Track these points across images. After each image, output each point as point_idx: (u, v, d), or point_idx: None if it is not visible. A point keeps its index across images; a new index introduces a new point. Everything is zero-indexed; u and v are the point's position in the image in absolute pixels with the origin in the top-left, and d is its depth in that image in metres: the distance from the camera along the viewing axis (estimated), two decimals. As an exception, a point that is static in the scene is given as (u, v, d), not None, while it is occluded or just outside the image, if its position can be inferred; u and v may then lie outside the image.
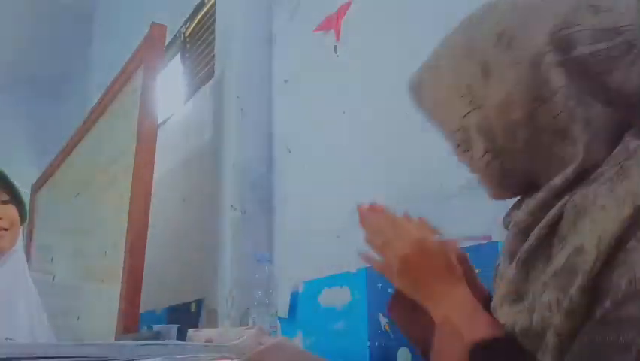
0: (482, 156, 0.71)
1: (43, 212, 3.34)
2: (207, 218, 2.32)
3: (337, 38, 1.89)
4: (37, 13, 4.39)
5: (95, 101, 2.90)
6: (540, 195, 0.64)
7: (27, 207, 1.49)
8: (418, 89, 0.80)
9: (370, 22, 1.77)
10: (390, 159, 1.63)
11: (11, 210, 1.51)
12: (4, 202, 1.46)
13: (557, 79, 0.62)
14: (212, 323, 2.07)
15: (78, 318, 2.33)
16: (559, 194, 0.62)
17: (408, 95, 0.90)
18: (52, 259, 2.92)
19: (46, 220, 3.24)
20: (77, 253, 2.58)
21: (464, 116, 0.70)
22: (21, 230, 1.58)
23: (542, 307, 0.57)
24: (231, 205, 2.11)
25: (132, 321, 1.81)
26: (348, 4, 1.86)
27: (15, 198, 1.54)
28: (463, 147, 0.74)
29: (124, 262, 1.91)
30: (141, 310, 1.91)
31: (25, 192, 3.60)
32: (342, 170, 1.75)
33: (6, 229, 1.48)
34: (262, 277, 2.00)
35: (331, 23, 1.93)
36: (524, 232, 0.67)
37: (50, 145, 4.38)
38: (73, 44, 4.70)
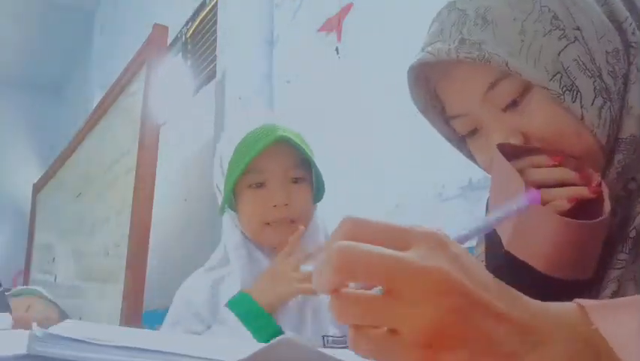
0: (593, 101, 0.55)
1: (45, 212, 3.34)
2: (208, 218, 2.33)
3: (339, 39, 1.90)
4: (39, 13, 4.39)
5: (96, 101, 2.91)
6: None
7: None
8: (480, 47, 0.57)
9: (372, 23, 1.77)
10: (390, 160, 1.64)
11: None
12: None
13: None
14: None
15: (80, 318, 2.34)
16: None
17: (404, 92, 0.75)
18: (53, 259, 2.92)
19: (48, 220, 3.25)
20: (79, 253, 2.59)
21: (560, 53, 0.55)
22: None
23: None
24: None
25: (135, 321, 1.81)
26: (350, 6, 1.87)
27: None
28: (569, 96, 0.55)
29: (126, 262, 1.91)
30: (143, 310, 1.91)
31: (26, 193, 3.62)
32: (342, 170, 1.75)
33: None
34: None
35: (333, 24, 1.93)
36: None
37: (52, 145, 4.40)
38: (75, 45, 4.71)
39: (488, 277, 0.35)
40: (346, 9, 1.88)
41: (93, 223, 2.45)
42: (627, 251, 0.56)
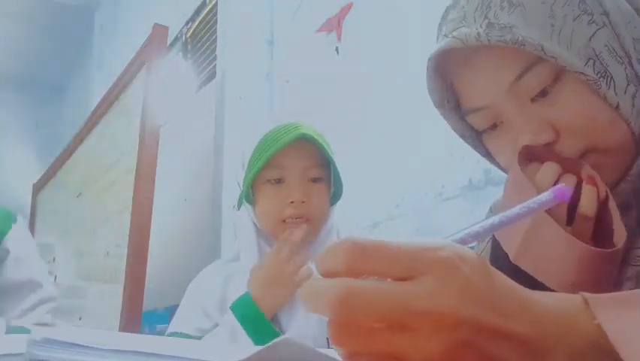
0: (626, 89, 0.53)
1: (45, 212, 3.34)
2: (208, 218, 2.33)
3: (339, 39, 1.90)
4: (39, 13, 4.39)
5: (96, 101, 2.91)
6: None
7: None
8: (512, 30, 0.53)
9: (371, 23, 1.77)
10: (391, 160, 1.64)
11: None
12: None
13: None
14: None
15: (80, 318, 2.34)
16: None
17: (422, 100, 0.70)
18: (54, 259, 2.92)
19: (48, 220, 3.25)
20: (79, 253, 2.59)
21: (591, 39, 0.53)
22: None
23: None
24: (233, 205, 2.11)
25: (135, 321, 1.82)
26: (350, 6, 1.87)
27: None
28: (603, 82, 0.52)
29: (126, 261, 1.91)
30: (143, 310, 1.91)
31: (26, 193, 3.62)
32: (342, 170, 1.75)
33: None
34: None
35: (332, 24, 1.93)
36: None
37: (52, 145, 4.40)
38: (75, 45, 4.71)
39: (497, 292, 0.33)
40: (346, 9, 1.88)
41: (93, 223, 2.45)
42: None
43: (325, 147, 0.99)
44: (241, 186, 1.01)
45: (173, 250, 2.54)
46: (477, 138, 0.65)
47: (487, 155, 0.66)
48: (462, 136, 0.66)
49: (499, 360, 0.32)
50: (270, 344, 0.35)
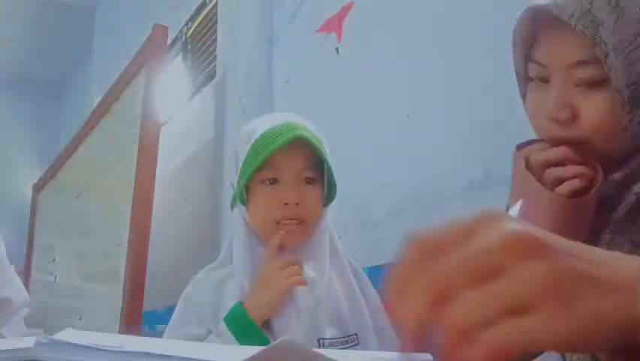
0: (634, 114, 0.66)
1: (45, 213, 3.35)
2: (208, 218, 2.33)
3: (339, 39, 1.90)
4: (39, 13, 4.39)
5: (96, 101, 2.91)
6: None
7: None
8: (597, 28, 0.64)
9: (372, 23, 1.77)
10: (391, 160, 1.64)
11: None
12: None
13: None
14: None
15: (80, 318, 2.34)
16: None
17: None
18: (54, 260, 2.92)
19: (48, 221, 3.25)
20: (79, 253, 2.59)
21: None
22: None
23: None
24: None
25: (135, 320, 1.82)
26: (350, 6, 1.87)
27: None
28: (628, 107, 0.65)
29: (126, 261, 1.91)
30: (143, 310, 1.91)
31: (26, 193, 3.63)
32: (343, 170, 1.75)
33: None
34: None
35: (333, 24, 1.93)
36: None
37: (52, 146, 4.40)
38: (75, 45, 4.71)
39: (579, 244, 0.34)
40: (346, 9, 1.88)
41: (93, 223, 2.45)
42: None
43: (321, 148, 0.98)
44: (234, 187, 1.00)
45: (173, 250, 2.54)
46: (525, 81, 0.75)
47: (524, 98, 0.76)
48: (517, 72, 0.76)
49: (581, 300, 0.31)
50: (270, 345, 0.35)
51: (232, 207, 1.03)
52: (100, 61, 4.32)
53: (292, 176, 0.96)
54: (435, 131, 1.52)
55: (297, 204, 0.95)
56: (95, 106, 2.80)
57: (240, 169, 0.97)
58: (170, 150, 2.62)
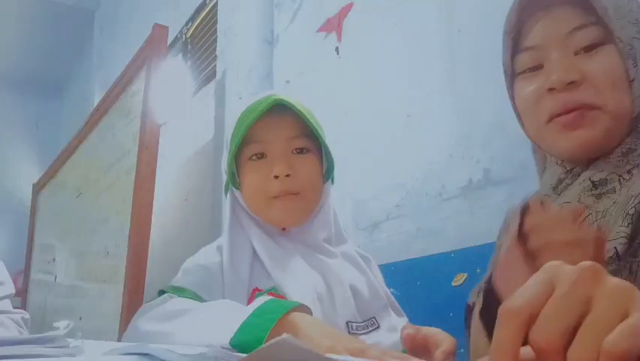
0: None
1: (45, 212, 3.35)
2: (208, 218, 2.33)
3: (339, 39, 1.90)
4: (39, 13, 4.40)
5: (96, 101, 2.91)
6: None
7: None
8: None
9: (371, 23, 1.77)
10: (391, 160, 1.64)
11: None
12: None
13: None
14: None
15: (80, 318, 2.34)
16: None
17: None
18: (54, 260, 2.92)
19: (48, 220, 3.25)
20: (79, 253, 2.59)
21: (633, 38, 0.69)
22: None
23: None
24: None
25: (134, 321, 1.81)
26: (350, 6, 1.87)
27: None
28: (631, 59, 0.68)
29: (126, 261, 1.91)
30: (143, 310, 1.91)
31: (26, 193, 3.62)
32: (343, 170, 1.75)
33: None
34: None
35: (333, 24, 1.93)
36: None
37: (52, 145, 4.41)
38: (75, 45, 4.72)
39: None
40: (346, 9, 1.88)
41: (93, 223, 2.45)
42: (626, 225, 0.61)
43: (305, 113, 0.89)
44: (226, 171, 0.93)
45: (173, 250, 2.54)
46: (512, 78, 0.76)
47: (511, 96, 0.77)
48: (505, 71, 0.77)
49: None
50: (269, 343, 0.35)
51: (226, 193, 0.95)
52: (100, 61, 4.33)
53: (279, 147, 0.88)
54: (435, 131, 1.52)
55: (287, 176, 0.86)
56: (95, 106, 2.80)
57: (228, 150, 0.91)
58: (170, 150, 2.63)
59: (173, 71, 2.97)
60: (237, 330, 0.63)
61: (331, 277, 0.88)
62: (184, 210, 2.63)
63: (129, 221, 1.97)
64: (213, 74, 2.53)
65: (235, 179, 0.92)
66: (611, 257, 0.59)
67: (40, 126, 5.15)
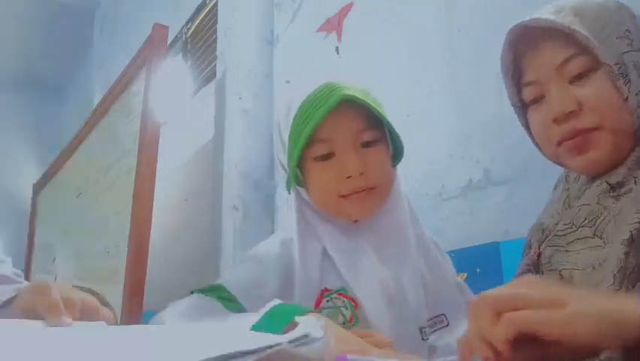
0: (638, 92, 0.72)
1: (45, 212, 3.34)
2: (209, 218, 2.33)
3: (339, 39, 1.90)
4: (39, 13, 4.39)
5: (96, 101, 2.91)
6: None
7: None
8: (570, 25, 0.72)
9: (371, 23, 1.77)
10: (391, 160, 1.64)
11: None
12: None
13: None
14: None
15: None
16: None
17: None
18: (54, 260, 2.92)
19: (48, 220, 3.24)
20: (79, 253, 2.59)
21: (624, 53, 0.73)
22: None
23: None
24: (233, 205, 2.11)
25: (135, 321, 1.81)
26: (350, 6, 1.87)
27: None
28: (622, 80, 0.72)
29: (126, 262, 1.91)
30: (144, 310, 1.91)
31: (26, 193, 3.62)
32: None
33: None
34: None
35: (333, 24, 1.93)
36: None
37: (52, 145, 4.40)
38: (75, 45, 4.71)
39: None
40: (346, 9, 1.88)
41: (93, 223, 2.45)
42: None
43: (372, 104, 0.83)
44: (286, 169, 0.87)
45: (173, 250, 2.54)
46: (523, 109, 0.80)
47: (526, 126, 0.81)
48: (513, 105, 0.81)
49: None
50: (266, 351, 0.35)
51: (289, 190, 0.89)
52: (100, 61, 4.33)
53: (348, 144, 0.83)
54: (435, 131, 1.51)
55: (361, 174, 0.82)
56: (95, 106, 2.80)
57: (287, 148, 0.85)
58: (170, 150, 2.63)
59: (173, 71, 2.97)
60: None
61: (404, 274, 0.83)
62: (184, 210, 2.62)
63: (129, 221, 1.97)
64: (213, 74, 2.53)
65: (298, 178, 0.86)
66: (625, 240, 0.65)
67: (40, 126, 5.15)
